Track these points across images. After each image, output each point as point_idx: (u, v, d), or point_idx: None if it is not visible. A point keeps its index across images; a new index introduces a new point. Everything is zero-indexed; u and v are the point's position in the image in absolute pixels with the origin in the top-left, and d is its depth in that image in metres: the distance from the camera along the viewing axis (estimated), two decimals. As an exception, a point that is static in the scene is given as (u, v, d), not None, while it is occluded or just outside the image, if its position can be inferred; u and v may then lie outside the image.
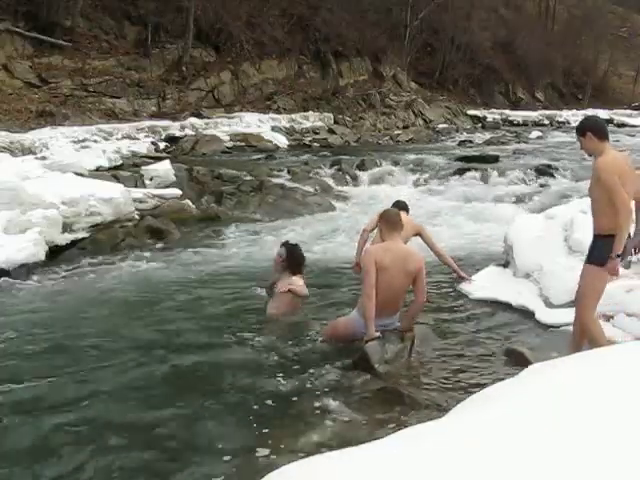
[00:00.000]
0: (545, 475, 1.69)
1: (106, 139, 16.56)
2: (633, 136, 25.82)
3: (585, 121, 4.47)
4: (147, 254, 8.14)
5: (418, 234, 6.22)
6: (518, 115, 33.18)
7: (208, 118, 21.20)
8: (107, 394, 4.16)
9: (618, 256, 4.13)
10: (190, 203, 10.33)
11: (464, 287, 6.39)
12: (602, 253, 4.22)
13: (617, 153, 4.42)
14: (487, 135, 24.60)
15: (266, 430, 3.67)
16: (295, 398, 4.10)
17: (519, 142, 22.67)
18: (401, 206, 6.29)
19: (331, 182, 13.87)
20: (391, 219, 4.94)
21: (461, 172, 14.44)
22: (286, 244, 5.79)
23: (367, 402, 4.02)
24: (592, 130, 4.28)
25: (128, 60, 22.58)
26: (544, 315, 5.63)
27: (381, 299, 4.65)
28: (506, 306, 4.99)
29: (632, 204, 4.31)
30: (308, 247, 8.63)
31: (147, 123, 19.07)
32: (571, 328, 5.44)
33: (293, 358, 4.76)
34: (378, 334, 4.63)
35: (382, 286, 4.64)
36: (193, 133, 19.04)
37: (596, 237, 4.32)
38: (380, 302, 4.64)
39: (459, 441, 1.88)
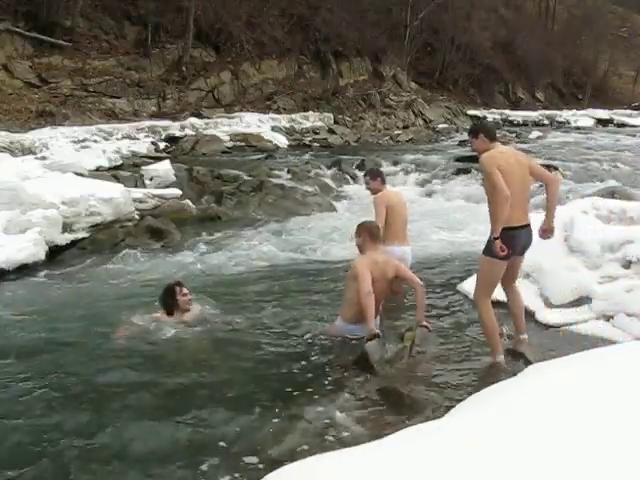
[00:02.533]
0: (545, 474, 1.69)
1: (106, 139, 16.56)
2: (634, 136, 25.81)
3: (478, 124, 4.94)
4: (147, 254, 8.13)
5: None
6: (518, 115, 33.17)
7: (208, 118, 21.22)
8: (105, 394, 4.16)
9: (496, 238, 4.38)
10: (190, 203, 10.32)
11: (464, 287, 6.39)
12: (491, 244, 4.51)
13: (503, 148, 4.73)
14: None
15: (265, 430, 3.67)
16: (294, 398, 4.10)
17: (519, 142, 22.66)
18: (383, 178, 6.30)
19: (331, 182, 13.87)
20: (374, 232, 5.19)
21: (461, 172, 14.44)
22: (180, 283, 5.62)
23: (367, 402, 4.01)
24: (484, 132, 4.66)
25: (128, 60, 22.59)
26: (544, 315, 5.63)
27: None
28: (506, 306, 4.99)
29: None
30: (308, 247, 8.65)
31: (147, 123, 19.07)
32: (571, 328, 5.45)
33: (292, 358, 4.76)
34: (378, 331, 4.67)
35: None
36: (193, 133, 19.05)
37: (491, 230, 4.59)
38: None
39: (459, 441, 1.88)
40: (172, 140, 18.34)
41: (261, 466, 3.25)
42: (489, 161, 4.45)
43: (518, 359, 4.64)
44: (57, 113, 18.62)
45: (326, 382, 4.32)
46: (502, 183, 4.31)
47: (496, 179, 4.33)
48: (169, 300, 5.40)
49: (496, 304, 5.58)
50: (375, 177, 6.26)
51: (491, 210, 4.49)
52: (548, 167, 14.53)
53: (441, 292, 6.53)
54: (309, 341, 5.07)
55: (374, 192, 6.18)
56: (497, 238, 4.38)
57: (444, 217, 10.93)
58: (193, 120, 20.26)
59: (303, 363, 4.67)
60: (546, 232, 4.70)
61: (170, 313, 5.38)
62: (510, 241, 4.43)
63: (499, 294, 5.12)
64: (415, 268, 6.62)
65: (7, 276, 6.81)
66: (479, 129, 4.74)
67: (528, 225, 4.59)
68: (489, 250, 4.50)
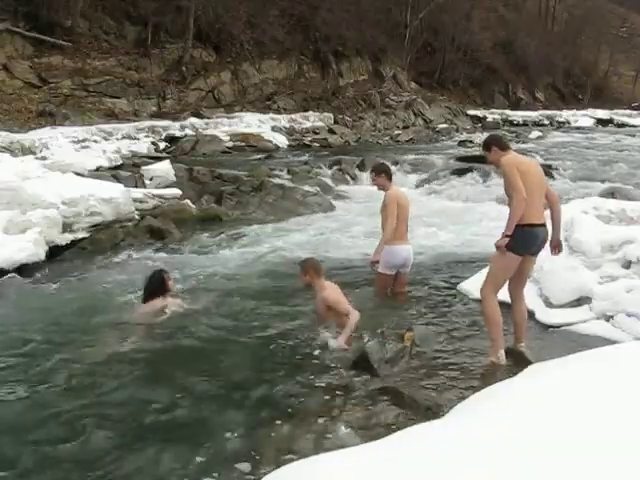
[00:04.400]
0: (545, 474, 1.69)
1: (106, 139, 16.55)
2: (634, 136, 25.83)
3: (489, 138, 5.08)
4: (147, 254, 8.13)
5: None
6: (518, 115, 33.24)
7: (208, 118, 21.22)
8: (105, 395, 4.16)
9: (508, 236, 4.51)
10: (190, 203, 10.31)
11: (464, 287, 6.39)
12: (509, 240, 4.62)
13: (520, 155, 5.00)
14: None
15: (264, 431, 3.67)
16: (294, 398, 4.10)
17: (519, 142, 22.67)
18: (389, 174, 6.30)
19: (331, 182, 13.87)
20: (319, 266, 5.36)
21: (461, 172, 14.44)
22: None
23: (367, 402, 4.01)
24: (496, 145, 4.86)
25: (128, 60, 22.60)
26: (544, 315, 5.63)
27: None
28: (506, 306, 4.99)
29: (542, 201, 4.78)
30: (308, 247, 8.64)
31: (147, 123, 19.07)
32: (571, 328, 5.45)
33: (292, 358, 4.76)
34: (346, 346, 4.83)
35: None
36: (193, 133, 19.05)
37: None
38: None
39: (459, 441, 1.88)
40: (172, 140, 18.35)
41: (259, 467, 3.25)
42: (508, 164, 4.60)
43: (518, 359, 4.64)
44: (57, 113, 18.61)
45: (326, 382, 4.32)
46: (520, 185, 4.47)
47: (515, 180, 4.49)
48: (161, 286, 5.50)
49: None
50: (379, 173, 6.25)
51: (510, 207, 4.60)
52: (549, 167, 14.58)
53: (442, 292, 6.53)
54: (309, 341, 5.07)
55: (381, 188, 6.23)
56: (509, 236, 4.51)
57: (444, 217, 10.92)
58: (193, 120, 20.27)
59: (303, 363, 4.66)
60: (557, 247, 4.90)
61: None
62: (531, 238, 4.58)
63: (501, 295, 5.13)
64: (415, 268, 6.64)
65: (7, 276, 6.80)
66: (490, 142, 4.91)
67: (545, 225, 4.72)
68: (507, 245, 4.58)
